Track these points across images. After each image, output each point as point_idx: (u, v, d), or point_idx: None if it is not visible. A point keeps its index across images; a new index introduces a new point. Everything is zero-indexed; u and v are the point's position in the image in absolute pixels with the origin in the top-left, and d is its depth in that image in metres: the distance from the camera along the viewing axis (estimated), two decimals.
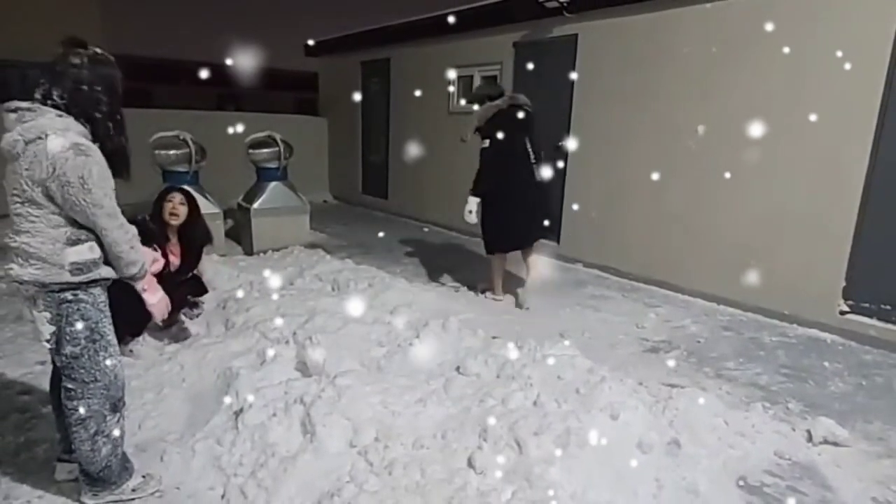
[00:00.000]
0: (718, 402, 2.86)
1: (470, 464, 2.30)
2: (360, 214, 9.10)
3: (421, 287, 4.77)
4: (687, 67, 4.93)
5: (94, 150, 1.90)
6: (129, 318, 3.31)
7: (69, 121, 1.89)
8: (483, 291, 4.87)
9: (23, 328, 3.69)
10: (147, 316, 3.34)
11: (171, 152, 5.41)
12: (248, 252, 5.95)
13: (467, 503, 2.12)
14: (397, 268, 5.60)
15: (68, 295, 1.94)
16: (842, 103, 4.04)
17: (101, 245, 1.97)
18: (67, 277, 1.91)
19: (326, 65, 10.50)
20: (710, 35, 4.74)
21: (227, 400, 2.73)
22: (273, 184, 6.08)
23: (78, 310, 1.96)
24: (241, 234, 6.26)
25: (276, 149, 5.95)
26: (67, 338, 1.96)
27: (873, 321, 4.06)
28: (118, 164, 1.99)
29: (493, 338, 3.78)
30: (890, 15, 3.79)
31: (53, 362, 2.21)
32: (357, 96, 9.24)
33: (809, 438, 2.73)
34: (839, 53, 3.97)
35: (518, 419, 2.45)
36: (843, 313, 4.19)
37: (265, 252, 5.87)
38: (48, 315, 1.94)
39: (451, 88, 7.49)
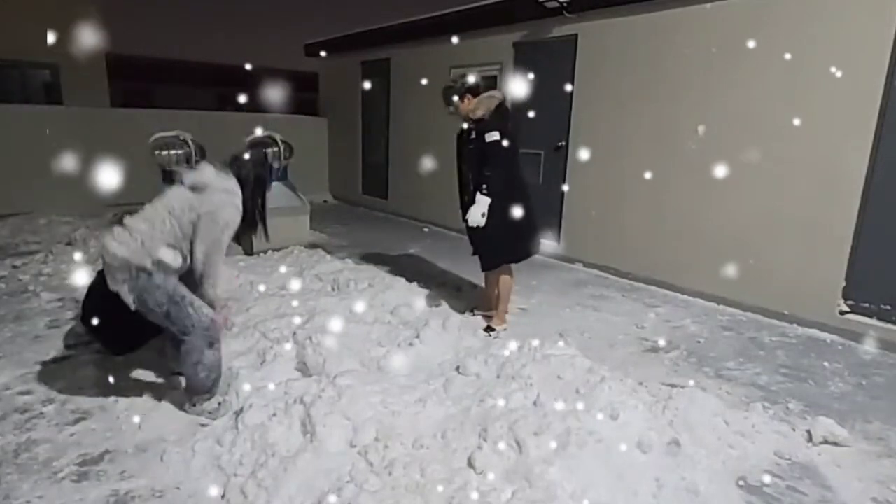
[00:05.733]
0: (718, 402, 2.86)
1: (470, 464, 2.31)
2: (360, 214, 9.10)
3: (421, 287, 4.77)
4: (687, 68, 4.93)
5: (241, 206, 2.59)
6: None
7: (229, 179, 2.60)
8: (488, 328, 4.02)
9: (22, 328, 3.69)
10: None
11: (171, 152, 5.42)
12: (248, 252, 5.95)
13: (467, 503, 2.12)
14: (397, 268, 5.60)
15: (143, 276, 2.43)
16: (842, 103, 4.04)
17: (182, 259, 2.51)
18: (148, 265, 2.42)
19: (326, 65, 10.50)
20: (710, 36, 4.74)
21: (228, 400, 2.74)
22: (273, 184, 6.07)
23: (152, 283, 2.45)
24: (241, 234, 6.24)
25: (276, 149, 5.96)
26: (153, 304, 2.47)
27: (873, 321, 4.06)
28: (247, 224, 2.73)
29: (494, 338, 3.79)
30: (889, 16, 3.80)
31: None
32: (357, 96, 9.24)
33: (809, 438, 2.73)
34: (839, 54, 3.99)
35: (518, 419, 2.45)
36: (842, 313, 4.19)
37: (265, 252, 5.87)
38: (127, 287, 2.43)
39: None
